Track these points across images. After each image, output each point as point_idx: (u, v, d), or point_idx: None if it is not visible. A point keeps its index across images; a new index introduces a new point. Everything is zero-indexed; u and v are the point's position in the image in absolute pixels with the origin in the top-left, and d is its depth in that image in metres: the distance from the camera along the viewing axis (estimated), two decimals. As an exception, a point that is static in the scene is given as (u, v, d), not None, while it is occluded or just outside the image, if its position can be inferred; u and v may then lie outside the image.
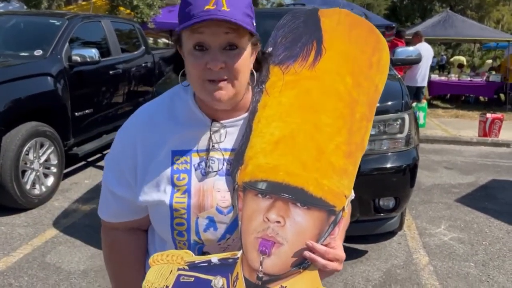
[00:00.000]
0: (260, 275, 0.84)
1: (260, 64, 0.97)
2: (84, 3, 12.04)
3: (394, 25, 10.34)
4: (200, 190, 0.92)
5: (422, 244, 3.33)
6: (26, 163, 3.74)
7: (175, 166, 0.93)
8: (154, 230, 1.04)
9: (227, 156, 0.94)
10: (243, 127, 0.95)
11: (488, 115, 7.05)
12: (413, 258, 3.10)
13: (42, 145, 3.92)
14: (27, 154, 3.73)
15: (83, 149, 4.60)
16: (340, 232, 0.94)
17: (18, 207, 3.70)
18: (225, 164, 0.93)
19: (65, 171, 4.36)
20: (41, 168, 3.92)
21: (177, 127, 0.95)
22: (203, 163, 0.93)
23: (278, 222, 0.84)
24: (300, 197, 0.84)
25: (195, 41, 0.86)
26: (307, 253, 0.84)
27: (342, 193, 0.87)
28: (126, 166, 0.97)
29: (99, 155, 5.30)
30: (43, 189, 3.93)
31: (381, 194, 2.83)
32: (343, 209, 0.87)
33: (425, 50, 7.34)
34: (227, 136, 0.95)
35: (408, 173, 2.86)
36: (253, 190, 0.87)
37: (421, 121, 7.74)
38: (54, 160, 4.05)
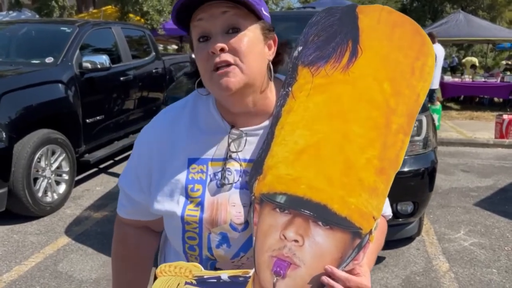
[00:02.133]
0: None
1: (280, 56, 0.91)
2: (95, 11, 12.15)
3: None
4: (214, 204, 0.86)
5: (441, 250, 3.22)
6: (38, 171, 3.73)
7: (190, 175, 0.88)
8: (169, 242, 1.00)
9: (245, 167, 0.87)
10: (264, 136, 0.87)
11: (505, 116, 6.89)
12: (432, 265, 3.01)
13: (53, 152, 3.91)
14: (39, 162, 3.72)
15: (95, 155, 4.59)
16: (369, 257, 0.85)
17: (30, 215, 3.69)
18: (243, 176, 0.87)
19: (76, 178, 4.35)
20: (53, 175, 3.91)
21: (196, 133, 0.91)
22: (219, 174, 0.87)
23: (296, 241, 0.76)
24: (323, 215, 0.76)
25: (198, 32, 0.84)
26: (325, 279, 0.76)
27: (370, 213, 0.78)
28: (142, 171, 0.95)
29: (110, 161, 5.29)
30: (55, 196, 3.91)
31: (399, 198, 2.74)
32: (370, 232, 0.78)
33: (439, 52, 7.23)
34: (246, 145, 0.89)
35: (426, 176, 2.78)
36: (271, 203, 0.79)
37: (435, 123, 7.61)
38: (65, 167, 4.04)
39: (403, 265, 3.00)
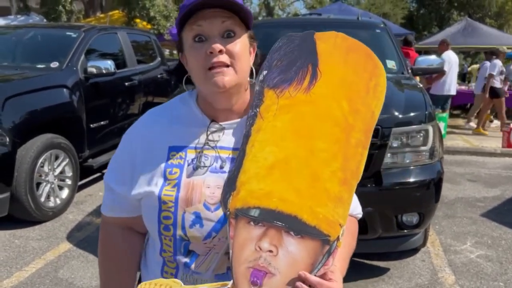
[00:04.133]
0: None
1: (259, 66, 1.01)
2: (102, 15, 12.21)
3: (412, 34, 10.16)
4: (190, 184, 0.93)
5: (447, 262, 3.16)
6: (41, 176, 3.72)
7: (169, 161, 0.96)
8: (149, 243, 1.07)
9: (221, 154, 0.96)
10: (240, 128, 0.97)
11: (512, 125, 6.82)
12: (438, 277, 2.95)
13: (57, 157, 3.90)
14: (42, 166, 3.71)
15: (98, 161, 4.57)
16: (341, 263, 0.92)
17: (33, 220, 3.67)
18: (219, 161, 0.95)
19: (79, 183, 4.33)
20: (56, 180, 3.90)
21: (177, 126, 0.99)
22: (196, 159, 0.95)
23: (271, 251, 0.81)
24: (294, 226, 0.82)
25: (194, 33, 0.92)
26: (299, 284, 0.81)
27: (336, 221, 0.84)
28: (125, 165, 1.01)
29: (114, 166, 5.27)
30: (58, 201, 3.90)
31: (404, 209, 2.70)
32: (337, 238, 0.84)
33: (452, 58, 7.15)
34: (224, 135, 0.98)
35: (432, 187, 2.74)
36: (245, 217, 0.84)
37: (441, 132, 7.52)
38: (69, 172, 4.03)
39: (407, 277, 2.94)
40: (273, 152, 0.87)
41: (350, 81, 0.95)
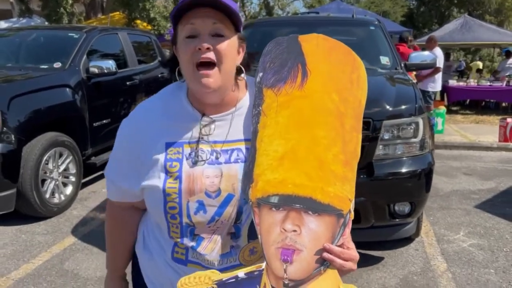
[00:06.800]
0: (286, 282, 0.91)
1: (248, 65, 1.12)
2: (103, 17, 12.32)
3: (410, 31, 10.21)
4: (190, 176, 1.03)
5: (440, 251, 3.26)
6: (45, 172, 3.83)
7: (168, 156, 1.05)
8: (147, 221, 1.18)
9: (215, 147, 1.05)
10: (229, 120, 1.07)
11: (509, 119, 6.90)
12: (430, 265, 3.05)
13: (61, 155, 4.01)
14: (47, 164, 3.83)
15: (101, 158, 4.67)
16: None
17: (38, 216, 3.79)
18: (214, 154, 1.05)
19: (83, 180, 4.45)
20: (60, 177, 4.01)
21: (170, 121, 1.07)
22: (193, 153, 1.04)
23: (295, 231, 0.91)
24: (310, 206, 0.92)
25: (187, 31, 1.00)
26: (325, 254, 0.91)
27: (346, 197, 0.95)
28: (125, 162, 1.11)
29: (116, 164, 5.37)
30: (62, 197, 4.01)
31: (396, 199, 2.80)
32: (349, 211, 0.95)
33: (439, 55, 7.23)
34: (216, 129, 1.06)
35: (423, 177, 2.83)
36: (267, 204, 0.94)
37: (439, 127, 7.60)
38: (72, 170, 4.14)
39: (401, 265, 3.04)
40: (281, 144, 0.98)
41: (335, 75, 1.06)
